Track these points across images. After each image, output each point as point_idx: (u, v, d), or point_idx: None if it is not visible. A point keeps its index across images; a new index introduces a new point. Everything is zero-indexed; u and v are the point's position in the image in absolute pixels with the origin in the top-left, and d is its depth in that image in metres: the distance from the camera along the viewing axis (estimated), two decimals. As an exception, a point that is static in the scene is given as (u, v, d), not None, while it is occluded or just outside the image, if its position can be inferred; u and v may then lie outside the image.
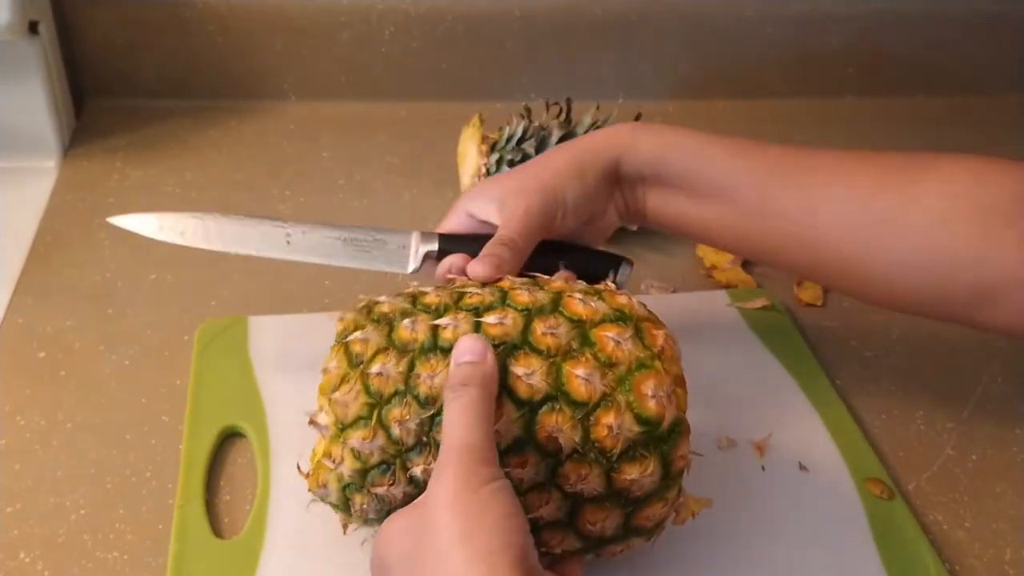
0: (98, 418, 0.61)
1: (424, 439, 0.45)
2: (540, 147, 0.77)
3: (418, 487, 0.45)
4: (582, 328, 0.46)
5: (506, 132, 0.78)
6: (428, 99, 0.99)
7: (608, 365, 0.45)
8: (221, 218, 0.59)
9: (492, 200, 0.57)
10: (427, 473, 0.44)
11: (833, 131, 1.04)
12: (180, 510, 0.54)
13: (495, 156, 0.77)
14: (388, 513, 0.45)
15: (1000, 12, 1.08)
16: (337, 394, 0.46)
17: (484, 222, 0.58)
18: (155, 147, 0.89)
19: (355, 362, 0.47)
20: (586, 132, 0.78)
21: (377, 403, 0.45)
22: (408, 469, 0.45)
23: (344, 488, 0.47)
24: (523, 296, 0.47)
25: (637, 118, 0.79)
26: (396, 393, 0.45)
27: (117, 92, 0.93)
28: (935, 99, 1.11)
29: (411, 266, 0.59)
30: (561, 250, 0.58)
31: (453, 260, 0.55)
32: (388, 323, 0.48)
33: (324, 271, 0.75)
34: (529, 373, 0.44)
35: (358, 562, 0.52)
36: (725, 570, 0.54)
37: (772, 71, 1.07)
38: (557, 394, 0.44)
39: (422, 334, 0.46)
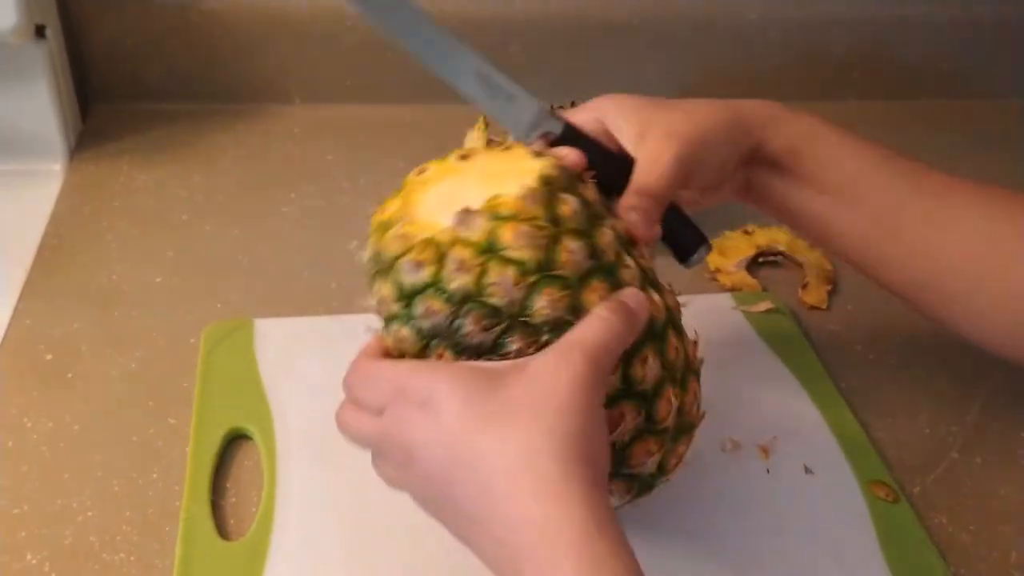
0: (105, 420, 0.61)
1: (543, 332, 0.44)
2: (545, 150, 0.77)
3: (489, 353, 0.44)
4: (687, 362, 0.49)
5: (511, 135, 0.78)
6: (433, 102, 0.99)
7: (680, 411, 0.48)
8: None
9: (633, 124, 0.54)
10: (519, 354, 0.43)
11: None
12: (186, 512, 0.54)
13: (500, 159, 0.77)
14: (426, 346, 0.44)
15: (1004, 16, 1.08)
16: (524, 227, 0.43)
17: (608, 134, 0.56)
18: (161, 150, 0.89)
19: (552, 218, 0.45)
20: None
21: (545, 268, 0.44)
22: (507, 335, 0.44)
23: (433, 286, 0.44)
24: (671, 299, 0.49)
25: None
26: (564, 278, 0.44)
27: (123, 95, 0.94)
28: (939, 103, 1.11)
29: (526, 134, 0.56)
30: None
31: (568, 153, 0.52)
32: (589, 216, 0.46)
33: (328, 272, 0.75)
34: (653, 366, 0.46)
35: (362, 564, 0.52)
36: (728, 572, 0.54)
37: (776, 74, 1.07)
38: (646, 398, 0.46)
39: (611, 256, 0.46)
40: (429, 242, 0.44)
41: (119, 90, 0.94)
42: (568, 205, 0.45)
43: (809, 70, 1.07)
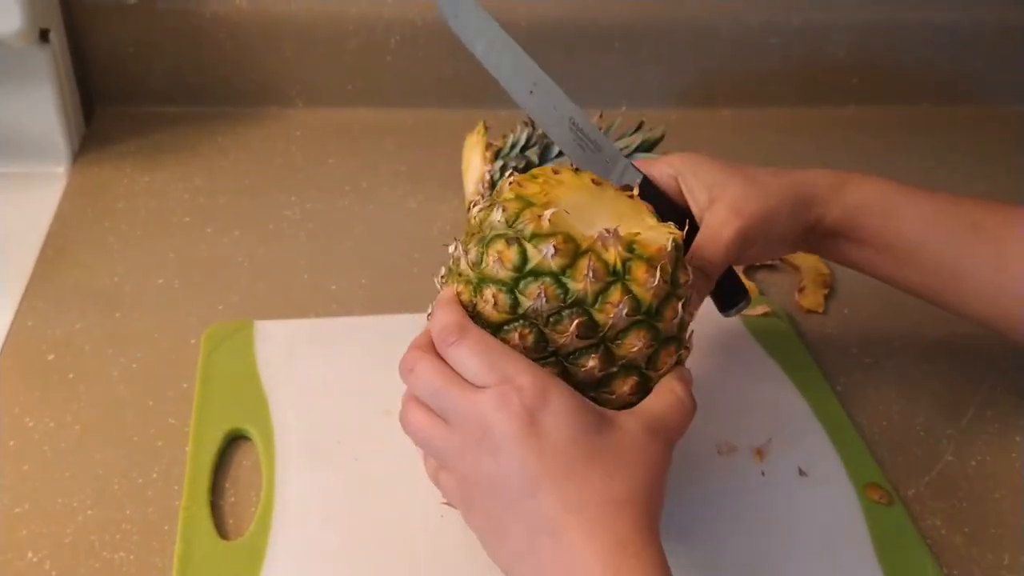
0: (106, 420, 0.61)
1: (616, 363, 0.47)
2: (543, 154, 0.77)
3: (563, 357, 0.47)
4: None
5: (510, 140, 0.79)
6: (433, 106, 1.00)
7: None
8: (499, 31, 0.57)
9: (706, 190, 0.57)
10: (588, 371, 0.47)
11: (836, 140, 1.04)
12: (186, 511, 0.55)
13: (499, 163, 0.77)
14: (511, 320, 0.46)
15: (1004, 22, 1.08)
16: (658, 274, 0.46)
17: (680, 192, 0.59)
18: (164, 153, 0.90)
19: (673, 279, 0.48)
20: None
21: (651, 316, 0.47)
22: (591, 351, 0.47)
23: (556, 276, 0.46)
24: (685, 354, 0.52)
25: (640, 126, 0.79)
26: (659, 331, 0.48)
27: (126, 99, 0.94)
28: (938, 108, 1.11)
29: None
30: None
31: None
32: (687, 293, 0.50)
33: (328, 274, 0.76)
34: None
35: (360, 563, 0.53)
36: (722, 574, 0.55)
37: (775, 80, 1.07)
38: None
39: (686, 331, 0.51)
40: (571, 239, 0.46)
41: (122, 93, 0.94)
42: (686, 275, 0.50)
43: (809, 76, 1.07)
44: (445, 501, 0.50)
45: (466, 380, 0.45)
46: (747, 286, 0.77)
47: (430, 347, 0.47)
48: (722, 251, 0.55)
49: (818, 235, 0.60)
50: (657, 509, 0.44)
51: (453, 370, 0.46)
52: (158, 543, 0.54)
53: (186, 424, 0.61)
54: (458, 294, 0.48)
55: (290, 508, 0.55)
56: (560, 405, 0.43)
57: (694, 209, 0.58)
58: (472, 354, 0.45)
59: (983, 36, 1.08)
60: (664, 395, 0.48)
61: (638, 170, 0.59)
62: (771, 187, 0.58)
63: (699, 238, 0.56)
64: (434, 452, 0.47)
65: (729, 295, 0.60)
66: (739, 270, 0.79)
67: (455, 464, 0.46)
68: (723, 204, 0.56)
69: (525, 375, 0.44)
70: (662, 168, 0.59)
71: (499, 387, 0.43)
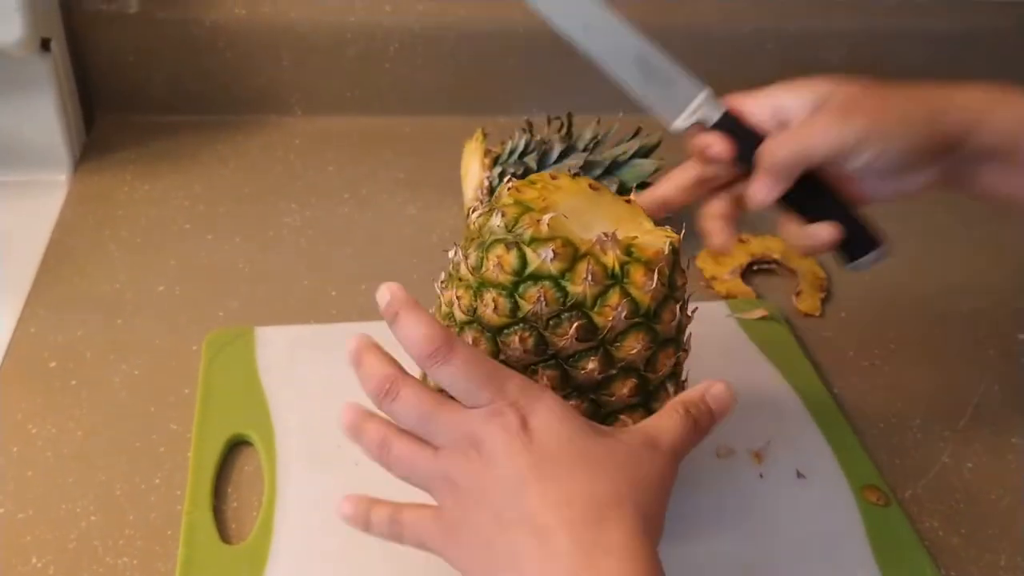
0: (108, 426, 0.62)
1: (616, 366, 0.48)
2: (542, 161, 0.78)
3: (563, 360, 0.48)
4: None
5: (508, 146, 0.80)
6: (432, 114, 1.01)
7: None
8: None
9: (814, 98, 0.53)
10: (588, 374, 0.47)
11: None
12: (188, 516, 0.55)
13: (497, 169, 0.78)
14: (511, 324, 0.47)
15: (999, 26, 1.09)
16: (656, 276, 0.47)
17: (783, 123, 0.54)
18: (164, 161, 0.90)
19: (670, 282, 0.49)
20: (586, 146, 0.79)
21: (649, 318, 0.48)
22: (591, 354, 0.47)
23: (555, 279, 0.47)
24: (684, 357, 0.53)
25: (637, 132, 0.80)
26: (657, 333, 0.48)
27: (127, 107, 0.95)
28: (934, 113, 1.12)
29: (679, 123, 0.55)
30: (829, 205, 0.54)
31: (713, 142, 0.51)
32: (684, 295, 0.51)
33: (328, 280, 0.76)
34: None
35: (361, 567, 0.53)
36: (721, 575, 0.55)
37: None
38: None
39: (684, 334, 0.52)
40: (569, 243, 0.47)
41: (123, 102, 0.95)
42: (684, 279, 0.51)
43: (804, 81, 1.08)
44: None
45: (453, 398, 0.44)
46: (744, 290, 0.78)
47: (399, 370, 0.45)
48: (806, 141, 0.50)
49: (961, 159, 0.53)
50: (652, 518, 0.43)
51: (434, 390, 0.45)
52: (161, 548, 0.54)
53: (188, 430, 0.61)
54: (458, 298, 0.49)
55: (292, 512, 0.56)
56: (550, 411, 0.43)
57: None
58: (462, 373, 0.44)
59: (979, 40, 1.09)
60: (665, 412, 0.48)
61: (720, 105, 0.55)
62: (893, 91, 0.53)
63: (787, 131, 0.52)
64: (420, 478, 0.46)
65: (856, 243, 0.55)
66: (737, 272, 0.80)
67: (441, 486, 0.45)
68: (829, 105, 0.52)
69: (514, 386, 0.44)
70: (759, 100, 0.55)
71: (495, 401, 0.43)
